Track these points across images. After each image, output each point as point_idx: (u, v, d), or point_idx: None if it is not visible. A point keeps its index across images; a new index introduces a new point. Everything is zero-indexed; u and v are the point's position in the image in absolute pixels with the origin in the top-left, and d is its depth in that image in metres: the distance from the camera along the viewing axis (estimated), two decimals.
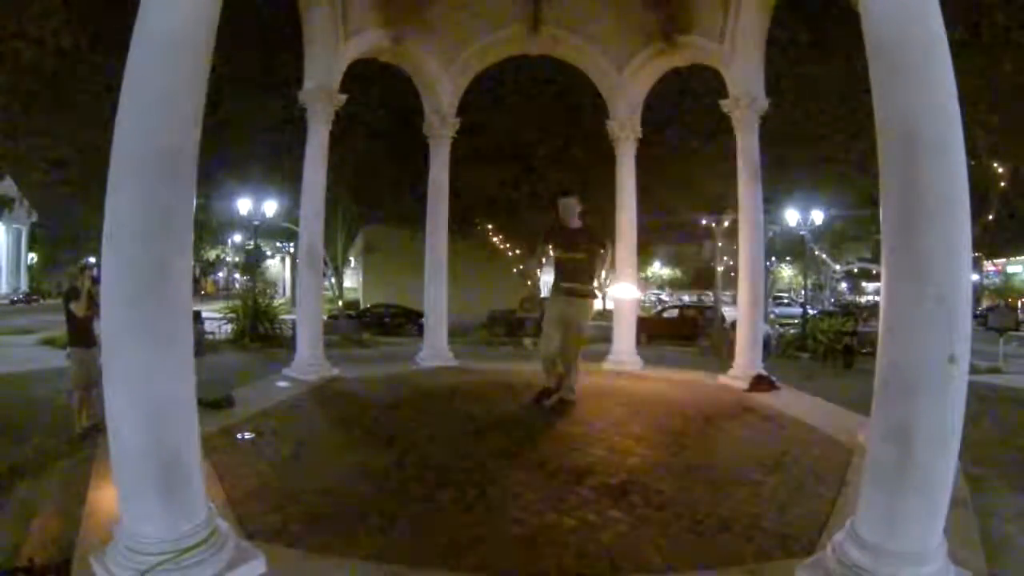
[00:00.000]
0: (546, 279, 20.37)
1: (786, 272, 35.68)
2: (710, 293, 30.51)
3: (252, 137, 17.10)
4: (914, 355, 2.15)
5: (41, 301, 34.94)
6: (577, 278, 5.23)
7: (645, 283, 43.72)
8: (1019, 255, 36.98)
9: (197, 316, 12.07)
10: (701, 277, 39.57)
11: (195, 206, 2.40)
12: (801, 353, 14.15)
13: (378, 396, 5.85)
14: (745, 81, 6.31)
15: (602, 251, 5.31)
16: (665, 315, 23.02)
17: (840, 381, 10.01)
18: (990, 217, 16.94)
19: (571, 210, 5.26)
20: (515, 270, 28.41)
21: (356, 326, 17.41)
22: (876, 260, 22.02)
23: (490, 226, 24.84)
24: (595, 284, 5.33)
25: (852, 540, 2.20)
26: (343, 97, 6.57)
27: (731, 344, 7.30)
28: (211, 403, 4.79)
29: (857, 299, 38.44)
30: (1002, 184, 16.24)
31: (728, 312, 19.40)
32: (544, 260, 5.66)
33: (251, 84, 15.14)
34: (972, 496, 3.21)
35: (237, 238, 35.61)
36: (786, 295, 36.29)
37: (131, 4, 2.24)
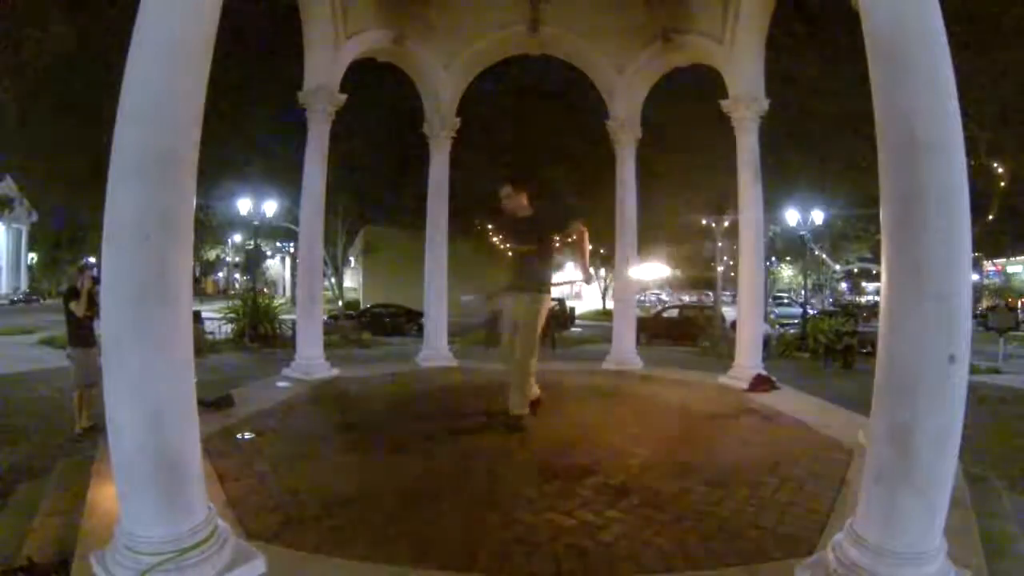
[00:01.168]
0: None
1: (786, 272, 35.69)
2: (710, 293, 30.51)
3: (252, 137, 17.14)
4: (914, 355, 2.14)
5: (41, 301, 34.95)
6: (522, 274, 4.65)
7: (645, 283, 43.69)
8: (1019, 255, 37.02)
9: (197, 316, 12.09)
10: (701, 277, 39.54)
11: (195, 206, 2.40)
12: (801, 353, 14.17)
13: (378, 396, 5.85)
14: (745, 81, 6.30)
15: (561, 239, 4.76)
16: (665, 315, 23.03)
17: (840, 381, 10.02)
18: (990, 217, 16.96)
19: (511, 200, 4.76)
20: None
21: (356, 326, 17.42)
22: (876, 260, 22.03)
23: (490, 226, 24.84)
24: (547, 278, 4.73)
25: (852, 540, 2.20)
26: (343, 97, 6.57)
27: (731, 344, 7.30)
28: (211, 403, 4.79)
29: (857, 299, 38.47)
30: (1002, 184, 16.26)
31: (728, 312, 19.41)
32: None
33: (251, 84, 15.18)
34: (972, 496, 3.21)
35: (237, 238, 35.64)
36: (786, 295, 36.31)
37: (131, 4, 2.24)
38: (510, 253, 4.84)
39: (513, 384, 4.58)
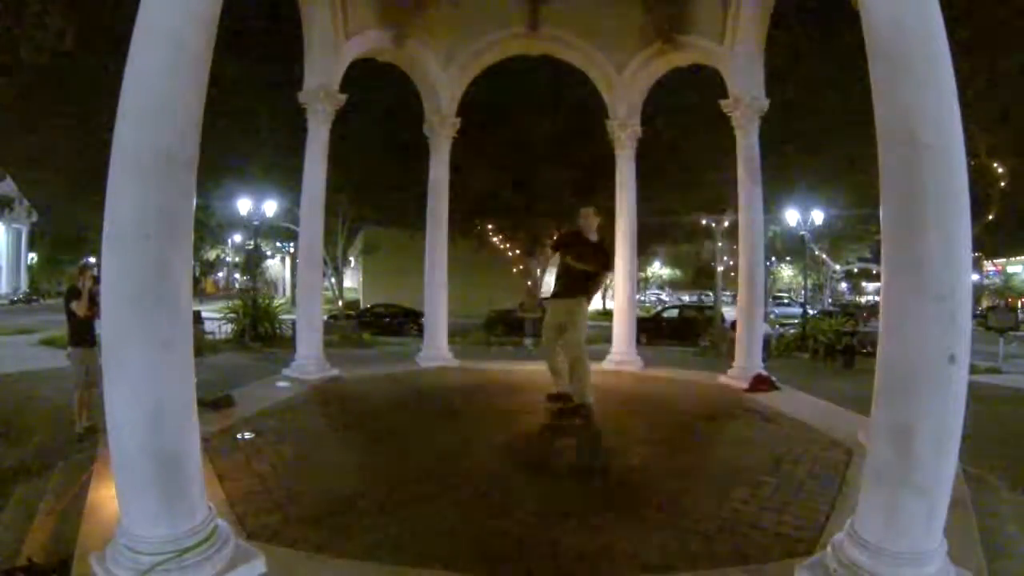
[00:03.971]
0: (547, 280, 20.33)
1: (786, 272, 35.68)
2: (710, 293, 30.50)
3: (252, 137, 17.14)
4: (914, 355, 2.14)
5: (41, 301, 34.94)
6: (571, 285, 5.23)
7: (645, 283, 43.75)
8: (1019, 255, 37.02)
9: (197, 316, 12.07)
10: (701, 277, 39.54)
11: (195, 206, 2.40)
12: (801, 353, 14.16)
13: (378, 396, 5.85)
14: (745, 81, 6.31)
15: (605, 270, 5.40)
16: (665, 315, 23.01)
17: (840, 381, 10.00)
18: (990, 217, 16.94)
19: (587, 220, 5.32)
20: (515, 269, 28.38)
21: (356, 326, 17.41)
22: (876, 260, 22.01)
23: (490, 226, 24.84)
24: (588, 290, 5.32)
25: (852, 540, 2.20)
26: (343, 97, 6.58)
27: (731, 344, 7.29)
28: (211, 403, 4.79)
29: (856, 299, 38.48)
30: (1002, 184, 16.24)
31: (728, 312, 19.41)
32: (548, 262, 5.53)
33: (252, 84, 15.19)
34: (972, 496, 3.21)
35: (237, 238, 35.61)
36: (786, 295, 36.30)
37: (131, 4, 2.24)
38: (568, 266, 5.25)
39: (576, 377, 4.94)
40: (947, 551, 2.18)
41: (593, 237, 5.32)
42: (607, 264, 5.43)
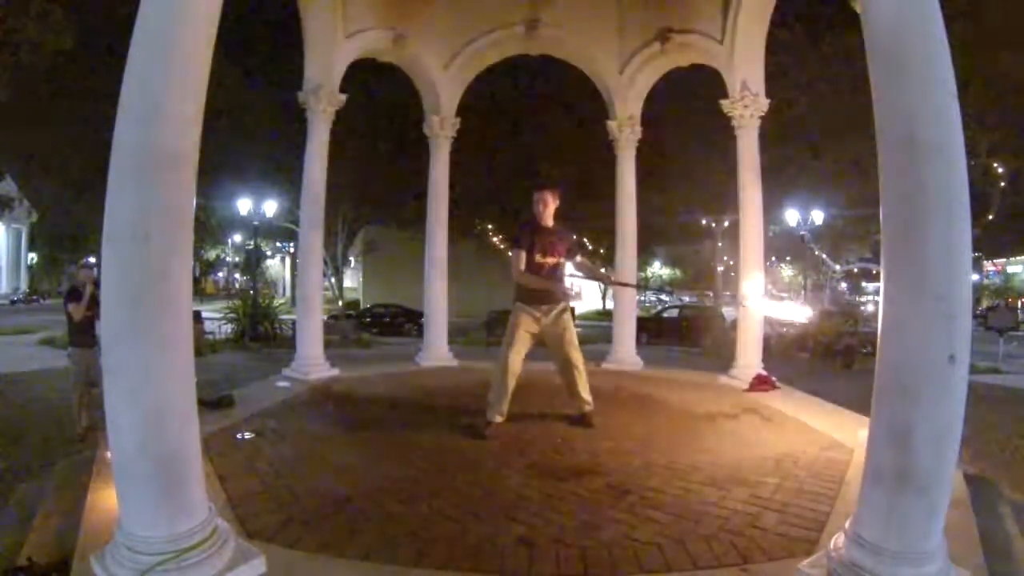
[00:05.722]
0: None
1: (786, 272, 35.69)
2: (710, 293, 30.50)
3: (252, 137, 17.16)
4: (914, 355, 2.14)
5: (41, 301, 34.96)
6: (555, 286, 4.71)
7: (645, 283, 43.71)
8: (1019, 255, 37.04)
9: (197, 316, 12.08)
10: (701, 277, 39.52)
11: (195, 206, 2.40)
12: (801, 353, 14.17)
13: (378, 396, 5.84)
14: (745, 81, 6.30)
15: (578, 257, 4.88)
16: (665, 315, 23.01)
17: (840, 381, 10.01)
18: (990, 217, 16.94)
19: (544, 208, 4.70)
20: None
21: (356, 326, 17.42)
22: (876, 260, 22.00)
23: (490, 226, 24.86)
24: (566, 288, 4.86)
25: (852, 540, 2.20)
26: (343, 97, 6.58)
27: (731, 344, 7.29)
28: (211, 403, 4.79)
29: (856, 299, 38.49)
30: (1002, 184, 16.25)
31: (728, 312, 19.41)
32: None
33: (252, 83, 15.22)
34: (972, 496, 3.20)
35: (237, 238, 35.63)
36: (786, 295, 36.31)
37: (131, 3, 2.24)
38: (541, 263, 4.66)
39: (579, 384, 4.86)
40: (947, 551, 2.18)
41: (549, 223, 4.71)
42: (570, 250, 4.76)
